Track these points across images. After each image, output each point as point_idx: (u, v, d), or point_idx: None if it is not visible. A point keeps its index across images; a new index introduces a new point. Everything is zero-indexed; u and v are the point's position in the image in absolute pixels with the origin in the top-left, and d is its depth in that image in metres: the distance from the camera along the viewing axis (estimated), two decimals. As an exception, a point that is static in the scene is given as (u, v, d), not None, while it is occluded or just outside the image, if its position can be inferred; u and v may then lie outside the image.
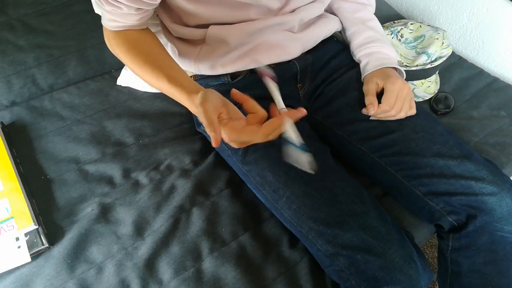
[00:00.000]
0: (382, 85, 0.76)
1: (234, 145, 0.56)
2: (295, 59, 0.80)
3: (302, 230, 0.68)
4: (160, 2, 0.74)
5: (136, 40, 0.68)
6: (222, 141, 0.80)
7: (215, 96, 0.55)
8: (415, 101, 0.77)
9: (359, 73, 0.83)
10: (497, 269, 0.70)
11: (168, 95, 0.65)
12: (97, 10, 0.67)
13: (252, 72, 0.78)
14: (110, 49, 0.72)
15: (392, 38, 1.06)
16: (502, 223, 0.68)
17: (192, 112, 0.64)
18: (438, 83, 1.05)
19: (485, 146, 0.92)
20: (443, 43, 0.99)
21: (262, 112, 0.56)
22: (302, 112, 0.56)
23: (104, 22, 0.69)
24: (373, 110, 0.74)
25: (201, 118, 0.52)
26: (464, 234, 0.70)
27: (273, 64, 0.78)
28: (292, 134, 0.57)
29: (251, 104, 0.56)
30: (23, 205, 0.75)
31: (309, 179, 0.69)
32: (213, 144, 0.50)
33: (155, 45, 0.70)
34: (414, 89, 1.02)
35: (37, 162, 0.85)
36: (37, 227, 0.73)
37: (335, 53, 0.87)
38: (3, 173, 0.79)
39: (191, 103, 0.61)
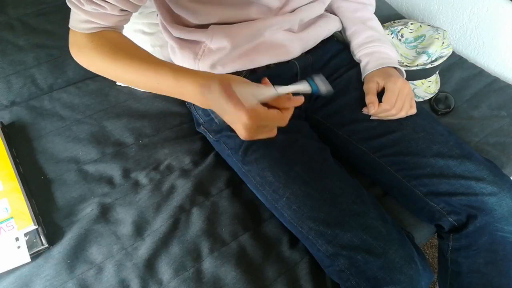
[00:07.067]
0: (383, 85, 0.76)
1: (246, 133, 0.54)
2: (295, 59, 0.80)
3: (302, 230, 0.68)
4: (161, 2, 0.74)
5: (117, 39, 0.62)
6: (222, 141, 0.81)
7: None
8: (415, 101, 0.77)
9: (359, 72, 0.83)
10: (497, 269, 0.70)
11: (169, 89, 0.58)
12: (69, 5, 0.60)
13: (252, 72, 0.78)
14: (79, 55, 0.64)
15: (392, 38, 1.06)
16: (503, 223, 0.68)
17: (197, 102, 0.57)
18: (439, 83, 1.05)
19: (485, 146, 0.92)
20: (443, 43, 0.99)
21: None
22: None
23: (74, 24, 0.62)
24: (374, 109, 0.74)
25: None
26: (464, 234, 0.70)
27: (273, 64, 0.78)
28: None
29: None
30: (23, 205, 0.75)
31: (309, 179, 0.69)
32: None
33: (134, 43, 0.64)
34: (414, 89, 1.02)
35: (37, 162, 0.85)
36: (36, 227, 0.73)
37: (335, 53, 0.87)
38: (3, 173, 0.79)
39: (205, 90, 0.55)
